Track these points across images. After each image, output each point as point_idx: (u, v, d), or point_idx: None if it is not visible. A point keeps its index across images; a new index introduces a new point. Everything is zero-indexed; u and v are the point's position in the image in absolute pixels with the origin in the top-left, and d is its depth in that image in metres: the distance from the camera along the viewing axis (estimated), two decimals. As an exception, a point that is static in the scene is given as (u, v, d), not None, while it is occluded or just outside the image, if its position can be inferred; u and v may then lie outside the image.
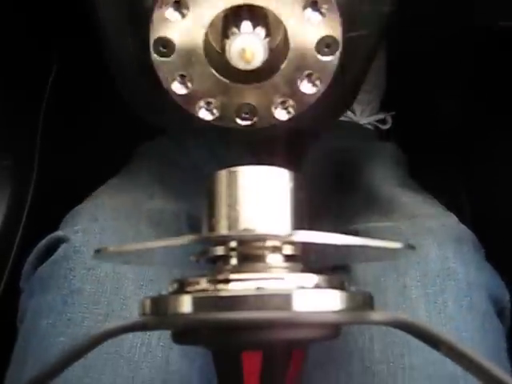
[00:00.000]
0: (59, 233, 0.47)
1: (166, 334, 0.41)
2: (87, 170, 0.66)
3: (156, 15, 0.34)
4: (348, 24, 0.35)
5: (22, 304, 0.47)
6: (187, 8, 0.34)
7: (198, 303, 0.24)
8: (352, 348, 0.44)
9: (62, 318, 0.42)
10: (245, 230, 0.26)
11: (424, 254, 0.46)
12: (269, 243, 0.26)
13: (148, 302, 0.26)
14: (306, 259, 0.28)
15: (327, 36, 0.35)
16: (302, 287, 0.24)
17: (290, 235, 0.25)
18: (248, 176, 0.27)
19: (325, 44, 0.36)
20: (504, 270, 0.50)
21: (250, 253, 0.27)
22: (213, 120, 0.38)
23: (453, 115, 0.79)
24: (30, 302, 0.46)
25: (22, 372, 0.42)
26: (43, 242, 0.48)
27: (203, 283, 0.25)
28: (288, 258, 0.27)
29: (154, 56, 0.36)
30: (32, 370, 0.42)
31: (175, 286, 0.27)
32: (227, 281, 0.25)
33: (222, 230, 0.27)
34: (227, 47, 0.33)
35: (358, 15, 0.37)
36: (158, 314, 0.25)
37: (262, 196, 0.27)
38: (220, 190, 0.28)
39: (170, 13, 0.34)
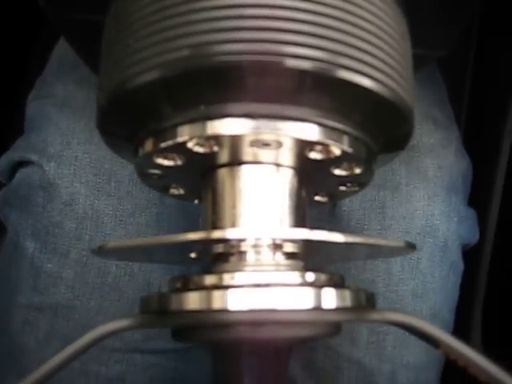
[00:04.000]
0: (32, 156, 0.45)
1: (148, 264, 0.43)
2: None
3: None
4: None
5: (1, 201, 0.47)
6: None
7: (201, 301, 0.24)
8: None
9: (48, 246, 0.43)
10: (248, 228, 0.26)
11: (412, 209, 0.46)
12: (270, 241, 0.26)
13: (149, 300, 0.26)
14: (307, 257, 0.28)
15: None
16: (303, 285, 0.24)
17: (291, 233, 0.25)
18: (250, 174, 0.27)
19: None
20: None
21: (251, 250, 0.27)
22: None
23: None
24: (10, 213, 0.46)
25: (17, 294, 0.44)
26: (14, 154, 0.46)
27: (204, 280, 0.25)
28: (289, 255, 0.27)
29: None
30: (25, 295, 0.43)
31: (176, 283, 0.27)
32: (228, 278, 0.24)
33: (225, 227, 0.27)
34: None
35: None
36: (159, 312, 0.25)
37: (263, 194, 0.27)
38: (222, 188, 0.28)
39: None
